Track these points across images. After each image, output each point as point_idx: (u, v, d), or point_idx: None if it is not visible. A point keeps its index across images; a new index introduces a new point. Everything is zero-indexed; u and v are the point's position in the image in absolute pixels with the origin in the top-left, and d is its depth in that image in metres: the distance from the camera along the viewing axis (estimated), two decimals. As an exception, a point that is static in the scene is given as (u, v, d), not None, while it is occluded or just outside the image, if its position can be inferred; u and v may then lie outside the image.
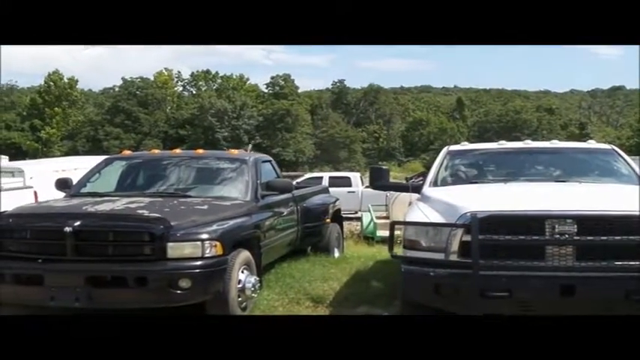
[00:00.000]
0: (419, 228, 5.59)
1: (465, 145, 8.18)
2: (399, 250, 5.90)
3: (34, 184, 12.03)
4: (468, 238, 5.18)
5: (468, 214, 5.21)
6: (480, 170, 7.53)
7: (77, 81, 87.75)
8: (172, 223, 6.06)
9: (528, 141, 8.48)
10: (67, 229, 5.99)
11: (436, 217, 5.62)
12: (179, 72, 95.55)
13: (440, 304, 5.51)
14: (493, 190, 6.35)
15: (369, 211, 17.37)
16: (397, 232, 6.04)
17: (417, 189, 7.15)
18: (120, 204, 6.80)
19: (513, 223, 5.16)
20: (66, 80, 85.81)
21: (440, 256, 5.33)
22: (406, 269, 5.51)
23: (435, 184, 7.06)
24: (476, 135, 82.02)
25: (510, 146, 8.10)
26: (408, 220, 5.87)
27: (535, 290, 5.04)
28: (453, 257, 5.28)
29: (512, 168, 7.50)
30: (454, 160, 7.61)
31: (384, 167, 8.07)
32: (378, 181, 7.65)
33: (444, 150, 7.87)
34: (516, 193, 6.11)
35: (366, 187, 25.06)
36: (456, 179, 7.22)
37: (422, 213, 5.84)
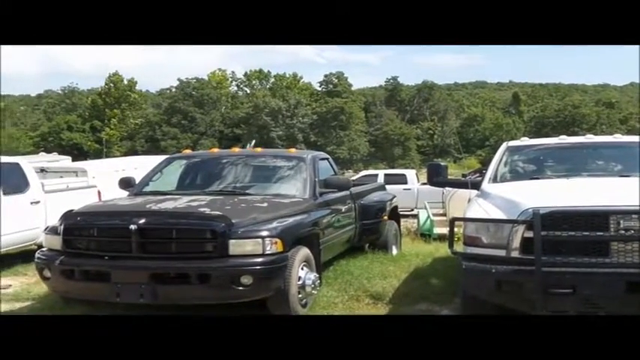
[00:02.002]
0: (479, 224, 5.54)
1: (525, 141, 8.08)
2: (459, 247, 5.88)
3: (97, 183, 12.33)
4: (529, 234, 5.12)
5: (530, 210, 5.15)
6: (540, 166, 7.43)
7: (136, 82, 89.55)
8: (234, 221, 6.15)
9: (590, 135, 8.31)
10: (133, 226, 6.12)
11: (497, 214, 5.57)
12: (233, 72, 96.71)
13: (501, 301, 5.46)
14: (555, 186, 6.27)
15: (426, 208, 17.29)
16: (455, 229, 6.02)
17: (476, 185, 7.09)
18: (182, 202, 6.93)
19: (576, 219, 5.07)
20: (125, 82, 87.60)
21: (501, 252, 5.28)
22: (467, 266, 5.48)
23: (494, 180, 6.99)
24: (533, 130, 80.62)
25: (571, 141, 7.96)
26: (467, 216, 5.83)
27: (600, 287, 4.94)
28: (515, 254, 5.22)
29: (573, 163, 7.38)
30: (514, 155, 7.53)
31: (442, 164, 8.00)
32: (436, 178, 7.61)
33: (504, 146, 7.78)
34: (578, 189, 6.00)
35: (422, 184, 24.95)
36: (516, 175, 7.13)
37: (482, 209, 5.80)
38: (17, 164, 10.26)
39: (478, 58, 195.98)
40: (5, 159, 11.38)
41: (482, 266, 5.36)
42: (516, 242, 5.20)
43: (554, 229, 5.05)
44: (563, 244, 5.08)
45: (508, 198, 5.76)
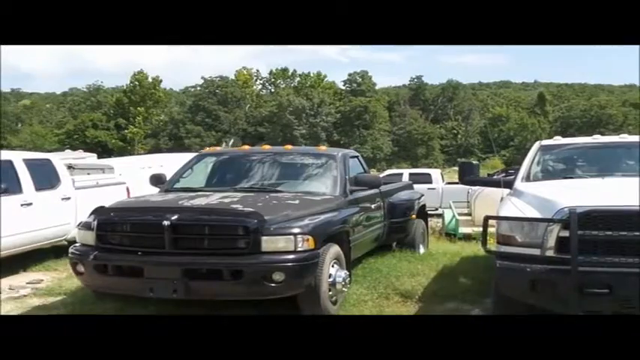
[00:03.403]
0: (513, 223, 5.50)
1: (558, 140, 8.01)
2: (492, 246, 5.84)
3: (124, 180, 12.42)
4: (565, 233, 5.08)
5: (566, 209, 5.11)
6: (573, 165, 7.37)
7: (161, 81, 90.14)
8: (266, 218, 6.16)
9: (624, 135, 8.21)
10: (166, 222, 6.16)
11: (531, 212, 5.53)
12: (258, 70, 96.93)
13: (535, 301, 5.42)
14: (590, 185, 6.21)
15: (451, 207, 17.22)
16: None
17: (509, 184, 7.05)
18: (214, 199, 6.96)
19: (613, 219, 5.02)
20: (150, 80, 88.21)
21: (536, 251, 5.24)
22: (501, 265, 5.44)
23: (527, 179, 6.95)
24: (558, 131, 79.79)
25: (604, 140, 7.89)
26: (501, 215, 5.79)
27: (637, 287, 4.89)
28: (550, 253, 5.18)
29: (606, 163, 7.31)
30: (546, 154, 7.47)
31: (474, 162, 7.98)
32: (468, 177, 7.57)
33: (536, 145, 7.72)
34: (614, 189, 5.95)
35: (447, 183, 24.86)
36: (549, 174, 7.08)
37: (516, 208, 5.76)
38: (49, 160, 10.37)
39: (502, 57, 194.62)
40: (37, 155, 11.52)
41: (516, 265, 5.33)
42: (551, 241, 5.17)
43: (590, 228, 5.01)
44: (599, 244, 5.03)
45: (543, 197, 5.72)
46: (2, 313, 7.18)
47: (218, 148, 10.11)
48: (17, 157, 9.59)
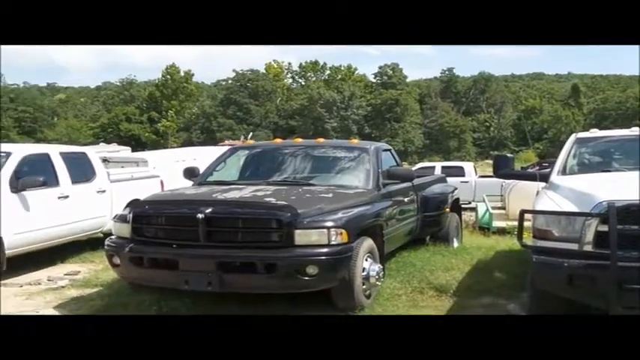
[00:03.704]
0: (550, 217, 5.43)
1: (595, 132, 7.88)
2: (528, 240, 5.78)
3: (158, 173, 12.53)
4: (603, 227, 5.00)
5: (605, 203, 5.03)
6: (610, 158, 7.27)
7: (193, 74, 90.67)
8: (300, 211, 6.17)
9: None
10: (200, 215, 6.20)
11: (568, 206, 5.46)
12: (289, 64, 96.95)
13: (572, 296, 5.36)
14: (628, 178, 6.07)
15: (484, 201, 17.07)
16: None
17: (544, 177, 6.96)
18: (247, 192, 6.98)
19: (654, 213, 4.93)
20: (182, 74, 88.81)
21: (573, 246, 5.17)
22: (537, 259, 5.37)
23: (563, 172, 6.86)
24: (593, 123, 78.49)
25: None
26: (537, 209, 5.72)
27: (678, 283, 4.81)
28: (588, 247, 5.11)
29: None
30: (582, 147, 7.36)
31: (508, 155, 7.89)
32: (503, 170, 7.49)
33: (572, 137, 7.61)
34: (654, 182, 5.83)
35: (480, 176, 24.65)
36: (586, 167, 6.99)
37: (552, 202, 5.68)
38: (84, 154, 10.50)
39: (535, 49, 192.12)
40: (73, 148, 11.71)
41: (552, 260, 5.26)
42: (589, 236, 5.09)
43: (630, 222, 4.93)
44: (639, 239, 4.95)
45: (580, 190, 5.64)
46: (41, 303, 7.32)
47: (252, 142, 10.10)
48: (54, 151, 9.74)
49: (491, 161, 14.98)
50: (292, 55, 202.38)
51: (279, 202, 6.49)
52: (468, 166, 26.44)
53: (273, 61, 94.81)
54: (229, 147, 9.79)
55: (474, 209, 17.71)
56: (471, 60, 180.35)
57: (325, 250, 6.16)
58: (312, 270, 6.05)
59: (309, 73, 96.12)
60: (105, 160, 11.61)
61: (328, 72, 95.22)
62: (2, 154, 8.84)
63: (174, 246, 6.39)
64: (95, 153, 11.25)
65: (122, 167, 12.44)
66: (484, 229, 15.63)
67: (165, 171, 12.82)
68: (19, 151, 9.06)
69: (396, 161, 9.15)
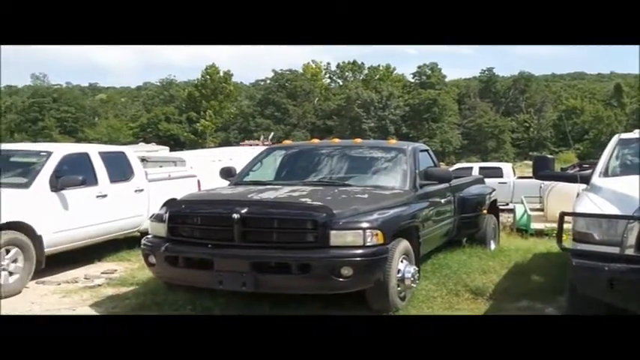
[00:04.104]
0: (591, 220, 5.31)
1: (638, 133, 7.70)
2: (567, 243, 5.66)
3: (195, 172, 12.61)
4: (646, 231, 4.88)
5: (648, 206, 4.90)
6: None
7: (232, 75, 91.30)
8: (335, 212, 6.14)
9: None
10: (235, 215, 6.21)
11: (610, 209, 5.33)
12: (327, 63, 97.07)
13: (612, 300, 5.22)
14: (673, 181, 5.94)
15: (522, 202, 16.86)
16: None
17: (585, 179, 6.82)
18: (283, 192, 6.97)
19: (700, 217, 4.79)
20: (221, 74, 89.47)
21: (614, 250, 5.04)
22: (577, 263, 5.25)
23: (605, 174, 6.71)
24: (636, 124, 77.11)
25: None
26: (577, 211, 5.60)
27: None
28: (630, 251, 4.97)
29: None
30: (625, 148, 7.20)
31: (548, 156, 7.75)
32: (542, 171, 7.35)
33: (615, 138, 7.44)
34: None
35: (518, 177, 24.33)
36: (629, 169, 6.80)
37: (593, 204, 5.55)
38: (123, 153, 10.60)
39: (577, 48, 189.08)
40: (112, 148, 11.85)
41: (593, 263, 5.13)
42: (632, 239, 4.96)
43: (674, 226, 4.79)
44: (683, 243, 4.81)
45: (623, 193, 5.50)
46: (78, 301, 7.40)
47: (288, 142, 10.11)
48: (93, 150, 9.85)
49: (530, 162, 14.82)
50: (330, 55, 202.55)
51: (314, 202, 6.46)
52: (506, 167, 26.10)
53: (312, 61, 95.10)
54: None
55: (511, 211, 17.50)
56: (511, 59, 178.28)
57: (360, 251, 6.11)
58: (346, 271, 6.00)
59: (347, 73, 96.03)
60: (143, 160, 11.72)
61: (366, 72, 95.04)
62: (43, 153, 8.97)
63: (209, 246, 6.41)
64: (134, 152, 11.35)
65: (160, 167, 12.55)
66: (522, 231, 15.44)
67: (203, 171, 12.89)
68: (60, 150, 9.17)
69: (434, 162, 9.06)
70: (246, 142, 46.52)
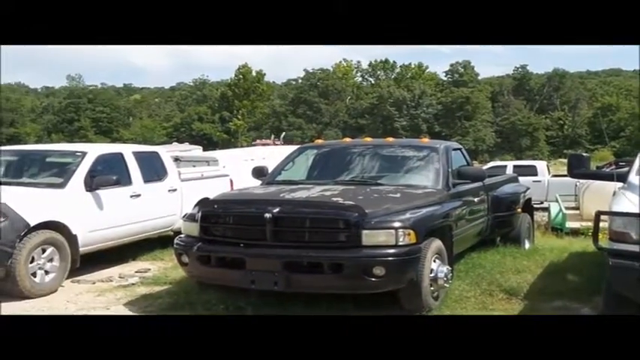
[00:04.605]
0: (628, 219, 5.22)
1: None
2: (603, 242, 5.56)
3: (228, 172, 12.66)
4: (685, 231, 4.78)
5: (687, 205, 4.80)
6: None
7: (265, 74, 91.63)
8: (367, 211, 6.11)
9: None
10: (267, 215, 6.22)
11: (647, 208, 5.23)
12: (358, 62, 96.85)
13: (651, 301, 5.14)
14: None
15: (557, 201, 16.69)
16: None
17: (622, 178, 6.70)
18: (315, 192, 6.97)
19: None
20: (254, 74, 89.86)
21: (653, 249, 4.96)
22: (614, 263, 5.17)
23: (643, 172, 6.57)
24: (674, 120, 75.85)
25: None
26: (614, 210, 5.50)
27: None
28: (668, 251, 4.89)
29: None
30: None
31: (584, 155, 7.62)
32: (578, 170, 7.24)
33: None
34: None
35: (553, 175, 24.06)
36: (667, 167, 6.67)
37: (630, 203, 5.46)
38: (157, 153, 10.68)
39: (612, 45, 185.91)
40: (146, 148, 11.94)
41: (630, 263, 5.06)
42: (670, 239, 4.87)
43: None
44: None
45: (661, 191, 5.39)
46: (112, 300, 7.48)
47: (320, 141, 10.10)
48: (127, 150, 9.93)
49: (564, 160, 14.61)
50: (362, 54, 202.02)
51: (346, 202, 6.44)
52: (540, 165, 25.84)
53: (343, 59, 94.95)
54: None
55: (546, 209, 17.34)
56: (544, 57, 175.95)
57: (393, 250, 6.07)
58: (379, 271, 5.97)
59: (379, 72, 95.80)
60: (177, 159, 11.79)
61: (398, 70, 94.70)
62: (78, 153, 9.08)
63: (241, 245, 6.42)
64: (167, 152, 11.43)
65: (193, 166, 12.62)
66: (557, 229, 15.31)
67: (235, 170, 12.94)
68: (94, 150, 9.27)
69: (467, 160, 8.98)
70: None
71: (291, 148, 10.60)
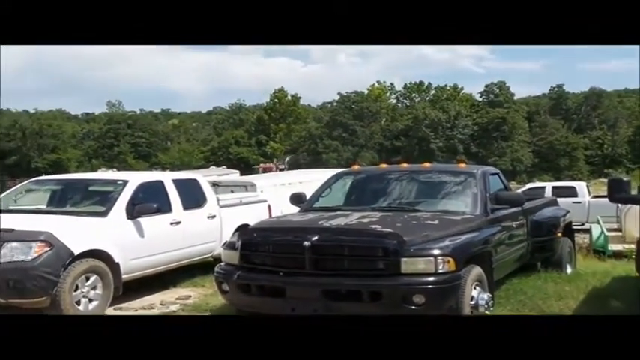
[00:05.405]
0: (672, 245, 5.16)
1: None
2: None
3: (265, 197, 12.74)
4: None
5: None
6: None
7: (300, 98, 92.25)
8: (405, 238, 6.13)
9: None
10: (306, 243, 6.28)
11: (692, 234, 5.16)
12: (392, 84, 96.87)
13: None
14: None
15: (599, 222, 16.44)
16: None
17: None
18: (353, 219, 7.00)
19: None
20: (289, 97, 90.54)
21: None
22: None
23: (685, 196, 6.49)
24: None
25: None
26: (657, 236, 5.44)
27: None
28: None
29: None
30: None
31: (624, 179, 7.53)
32: (618, 194, 7.16)
33: None
34: None
35: (593, 197, 23.69)
36: None
37: (674, 229, 5.39)
38: (196, 180, 10.82)
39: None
40: (185, 175, 12.11)
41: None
42: None
43: None
44: None
45: None
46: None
47: (356, 167, 10.15)
48: (167, 178, 10.09)
49: (604, 180, 14.39)
50: (396, 76, 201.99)
51: (384, 229, 6.47)
52: (580, 186, 25.47)
53: (377, 82, 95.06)
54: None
55: (587, 231, 17.08)
56: (580, 75, 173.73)
57: (432, 278, 6.08)
58: (418, 299, 5.99)
59: (413, 94, 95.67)
60: (215, 185, 11.92)
61: (433, 92, 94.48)
62: (119, 182, 9.25)
63: (280, 273, 6.48)
64: (205, 177, 11.56)
65: (231, 192, 12.74)
66: (599, 252, 15.06)
67: (273, 195, 13.01)
68: (135, 179, 9.43)
69: (504, 185, 8.94)
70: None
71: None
